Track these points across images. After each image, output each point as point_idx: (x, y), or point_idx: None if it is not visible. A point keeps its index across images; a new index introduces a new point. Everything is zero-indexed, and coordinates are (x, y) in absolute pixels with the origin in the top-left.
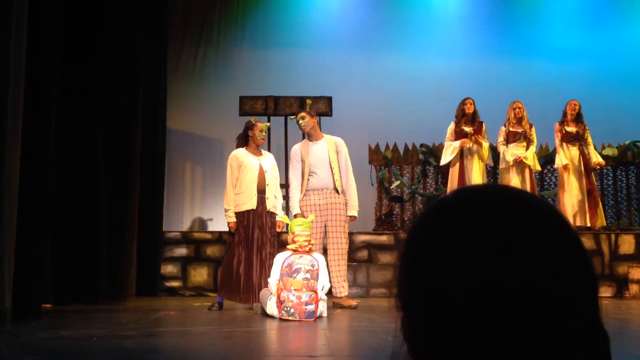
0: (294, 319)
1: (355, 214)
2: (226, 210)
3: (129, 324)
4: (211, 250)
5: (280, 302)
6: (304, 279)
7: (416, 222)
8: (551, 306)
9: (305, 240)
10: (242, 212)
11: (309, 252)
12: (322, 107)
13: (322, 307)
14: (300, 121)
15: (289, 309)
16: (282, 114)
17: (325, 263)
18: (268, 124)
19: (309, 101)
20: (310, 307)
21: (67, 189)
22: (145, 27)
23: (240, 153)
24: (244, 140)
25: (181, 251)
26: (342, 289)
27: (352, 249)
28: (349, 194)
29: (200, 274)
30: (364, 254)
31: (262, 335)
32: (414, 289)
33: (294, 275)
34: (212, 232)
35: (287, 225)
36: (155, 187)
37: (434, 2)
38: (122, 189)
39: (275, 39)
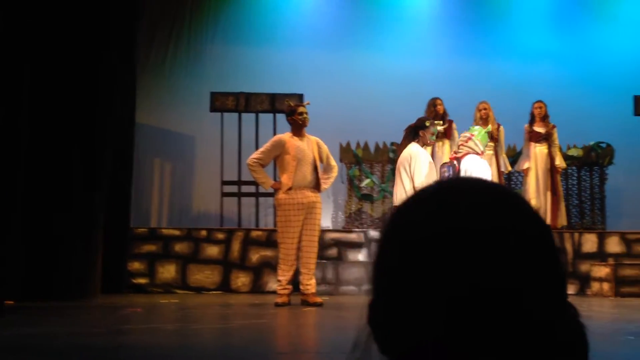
0: None
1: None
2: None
3: (94, 321)
4: (179, 247)
5: None
6: None
7: (395, 210)
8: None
9: None
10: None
11: None
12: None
13: None
14: (306, 115)
15: None
16: (253, 110)
17: None
18: (307, 102)
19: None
20: None
21: (31, 184)
22: (115, 22)
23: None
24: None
25: (149, 247)
26: (309, 286)
27: (322, 246)
28: (331, 177)
29: (168, 271)
30: (333, 251)
31: (229, 332)
32: (388, 273)
33: None
34: (180, 229)
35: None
36: (123, 182)
37: (405, 2)
38: (88, 183)
39: (246, 35)
